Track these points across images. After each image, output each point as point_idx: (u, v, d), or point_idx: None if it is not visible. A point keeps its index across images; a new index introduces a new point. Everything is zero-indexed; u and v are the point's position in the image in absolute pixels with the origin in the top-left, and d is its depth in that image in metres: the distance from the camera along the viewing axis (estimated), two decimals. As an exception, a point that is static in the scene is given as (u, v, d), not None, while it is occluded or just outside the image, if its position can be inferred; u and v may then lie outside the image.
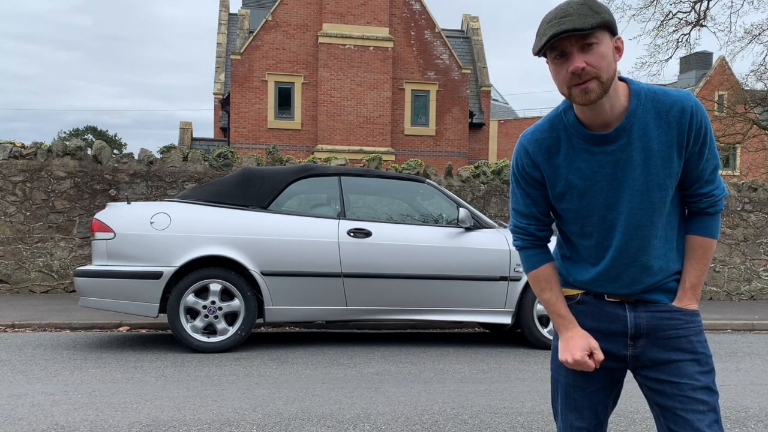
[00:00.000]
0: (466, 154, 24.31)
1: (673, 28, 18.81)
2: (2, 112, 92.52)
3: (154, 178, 9.06)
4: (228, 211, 5.74)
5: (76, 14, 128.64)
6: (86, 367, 4.90)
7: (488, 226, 6.10)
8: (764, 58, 31.22)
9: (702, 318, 1.79)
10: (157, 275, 5.45)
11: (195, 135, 25.46)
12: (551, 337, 6.06)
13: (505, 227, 6.38)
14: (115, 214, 5.65)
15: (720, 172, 1.76)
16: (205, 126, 78.50)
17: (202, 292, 5.55)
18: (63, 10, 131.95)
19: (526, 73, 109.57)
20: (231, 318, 5.61)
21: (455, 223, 6.02)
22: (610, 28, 1.58)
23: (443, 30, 25.00)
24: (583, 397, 1.82)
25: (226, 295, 5.58)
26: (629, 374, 1.87)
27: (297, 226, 5.74)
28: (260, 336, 6.53)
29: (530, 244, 1.83)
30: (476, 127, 26.02)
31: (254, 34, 23.28)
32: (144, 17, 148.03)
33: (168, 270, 5.46)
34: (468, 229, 5.96)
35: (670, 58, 19.26)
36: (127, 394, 4.10)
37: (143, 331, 6.74)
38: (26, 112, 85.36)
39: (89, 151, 9.11)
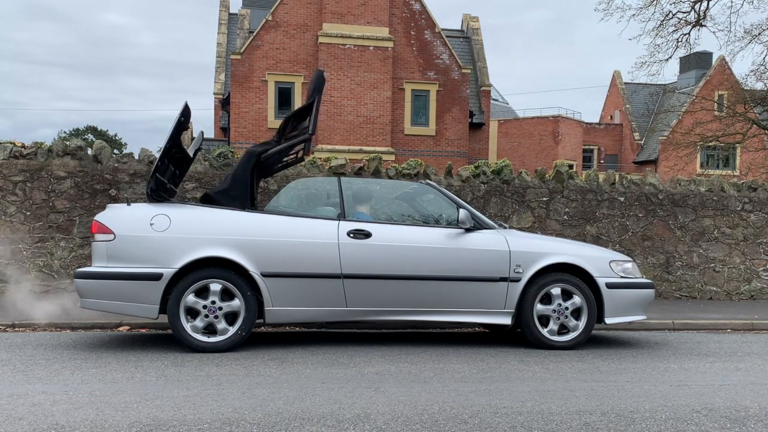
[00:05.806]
0: (466, 154, 24.32)
1: (673, 28, 18.84)
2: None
3: (154, 178, 9.06)
4: (228, 213, 5.75)
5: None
6: (86, 366, 4.91)
7: (488, 227, 6.10)
8: (764, 58, 31.22)
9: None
10: (156, 277, 5.46)
11: (195, 135, 25.43)
12: (551, 337, 6.07)
13: (505, 228, 6.37)
14: (115, 216, 5.65)
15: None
16: (205, 126, 78.54)
17: (203, 292, 5.55)
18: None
19: (527, 73, 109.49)
20: (231, 318, 5.61)
21: (455, 223, 6.02)
22: None
23: (443, 30, 25.01)
24: None
25: (226, 295, 5.58)
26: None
27: (297, 227, 5.75)
28: (260, 336, 6.53)
29: None
30: (476, 127, 26.04)
31: (254, 34, 23.30)
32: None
33: (168, 272, 5.46)
34: (468, 230, 5.96)
35: (670, 58, 19.28)
36: (127, 394, 4.10)
37: (143, 330, 6.74)
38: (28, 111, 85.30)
39: (89, 151, 9.11)
